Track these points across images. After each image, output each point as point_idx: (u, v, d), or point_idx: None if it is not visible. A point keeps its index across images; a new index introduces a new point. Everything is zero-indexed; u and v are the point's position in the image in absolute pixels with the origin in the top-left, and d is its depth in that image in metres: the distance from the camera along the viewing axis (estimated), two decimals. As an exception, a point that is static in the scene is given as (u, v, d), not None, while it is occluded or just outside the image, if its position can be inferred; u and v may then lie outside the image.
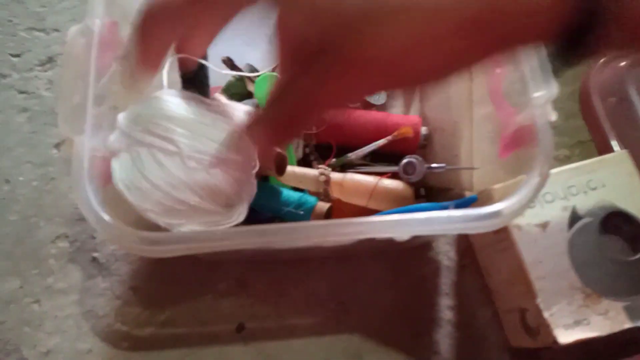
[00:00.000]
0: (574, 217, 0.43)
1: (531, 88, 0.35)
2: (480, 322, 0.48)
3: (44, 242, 0.50)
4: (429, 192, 0.48)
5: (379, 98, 0.52)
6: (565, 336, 0.40)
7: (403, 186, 0.45)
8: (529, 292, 0.41)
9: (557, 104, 0.57)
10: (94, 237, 0.50)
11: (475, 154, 0.45)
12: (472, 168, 0.46)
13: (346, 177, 0.44)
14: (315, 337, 0.47)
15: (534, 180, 0.33)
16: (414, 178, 0.45)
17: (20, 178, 0.53)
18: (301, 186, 0.45)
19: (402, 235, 0.35)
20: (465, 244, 0.51)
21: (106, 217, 0.31)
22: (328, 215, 0.43)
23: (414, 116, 0.52)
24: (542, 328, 0.41)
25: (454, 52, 0.16)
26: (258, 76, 0.46)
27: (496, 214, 0.32)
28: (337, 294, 0.49)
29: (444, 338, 0.48)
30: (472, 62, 0.17)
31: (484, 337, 0.48)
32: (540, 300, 0.41)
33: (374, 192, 0.43)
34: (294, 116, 0.22)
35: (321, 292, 0.49)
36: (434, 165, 0.45)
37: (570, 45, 0.15)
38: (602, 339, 0.40)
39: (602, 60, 0.58)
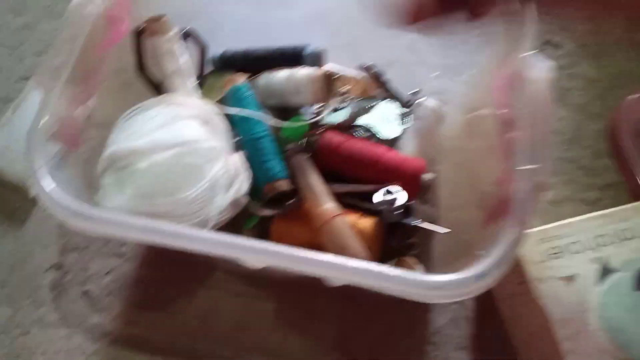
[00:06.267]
0: (606, 271, 0.39)
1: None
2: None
3: (37, 272, 0.48)
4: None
5: (392, 131, 0.48)
6: (597, 408, 0.35)
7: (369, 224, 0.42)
8: (556, 353, 0.37)
9: (584, 142, 0.55)
10: (86, 270, 0.48)
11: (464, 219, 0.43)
12: (441, 231, 0.43)
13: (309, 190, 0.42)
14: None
15: (489, 260, 0.33)
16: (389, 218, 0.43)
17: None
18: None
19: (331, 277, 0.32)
20: (484, 293, 0.47)
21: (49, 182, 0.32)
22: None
23: (418, 160, 0.46)
24: (570, 396, 0.36)
25: None
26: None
27: (437, 285, 0.32)
28: (344, 343, 0.45)
29: (461, 397, 0.44)
30: None
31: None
32: (567, 364, 0.36)
33: (324, 225, 0.41)
34: None
35: (327, 339, 0.45)
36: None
37: None
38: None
39: (630, 97, 0.54)
